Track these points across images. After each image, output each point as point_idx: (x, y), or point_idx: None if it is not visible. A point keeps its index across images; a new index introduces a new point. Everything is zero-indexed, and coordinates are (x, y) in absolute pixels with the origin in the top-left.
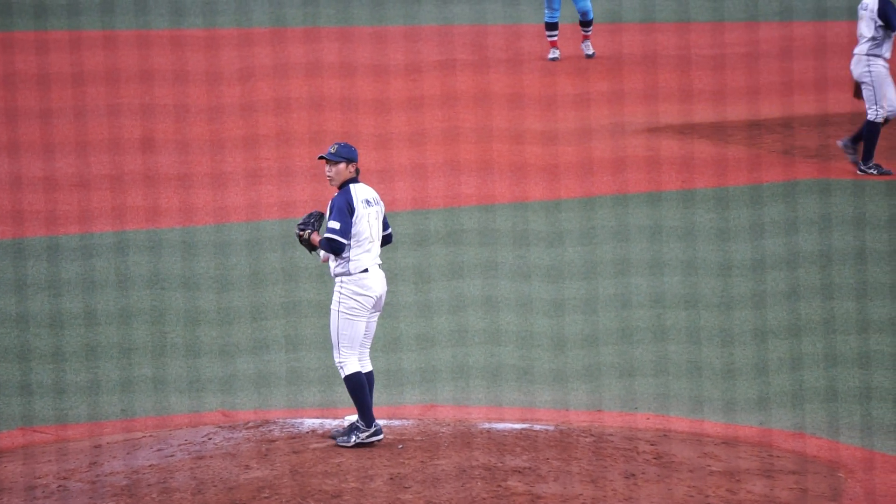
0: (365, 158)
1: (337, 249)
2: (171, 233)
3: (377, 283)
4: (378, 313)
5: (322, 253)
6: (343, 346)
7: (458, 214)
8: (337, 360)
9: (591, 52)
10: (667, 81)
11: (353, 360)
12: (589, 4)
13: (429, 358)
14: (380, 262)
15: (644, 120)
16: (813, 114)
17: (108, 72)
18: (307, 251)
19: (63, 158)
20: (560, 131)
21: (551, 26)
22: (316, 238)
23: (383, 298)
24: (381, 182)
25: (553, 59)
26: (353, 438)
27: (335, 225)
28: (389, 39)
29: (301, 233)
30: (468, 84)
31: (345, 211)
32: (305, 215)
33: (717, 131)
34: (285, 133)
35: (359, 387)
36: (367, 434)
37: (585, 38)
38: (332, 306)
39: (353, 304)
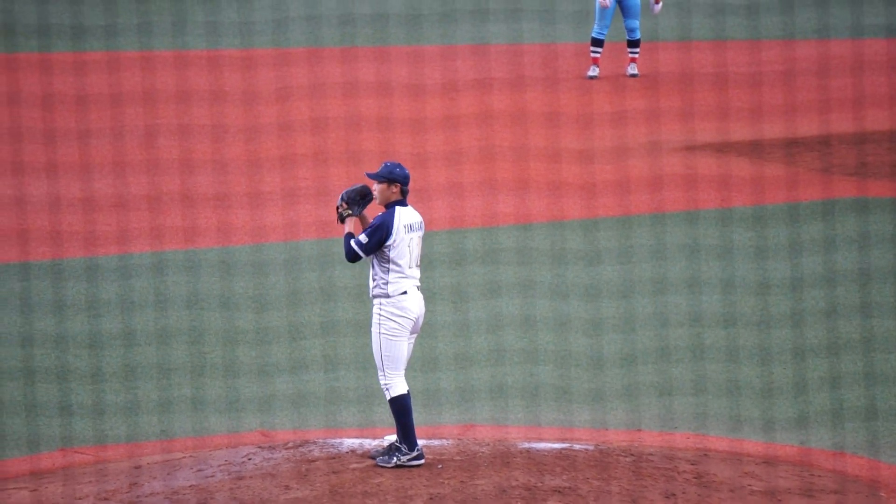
0: None
1: (352, 258)
2: (210, 253)
3: (415, 305)
4: (416, 335)
5: (347, 225)
6: (388, 368)
7: (496, 233)
8: (382, 381)
9: (635, 72)
10: (704, 99)
11: (399, 382)
12: (637, 23)
13: (467, 377)
14: (419, 283)
15: (681, 138)
16: (851, 131)
17: (145, 92)
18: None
19: (101, 179)
20: (597, 149)
21: (597, 42)
22: (347, 226)
23: (421, 320)
24: (419, 201)
25: (592, 77)
26: (395, 460)
27: (364, 239)
28: (426, 58)
29: (341, 207)
30: (505, 102)
31: (381, 232)
32: (357, 189)
33: (755, 149)
34: (322, 153)
35: (404, 409)
36: (408, 457)
37: (632, 60)
38: (372, 329)
39: (392, 325)
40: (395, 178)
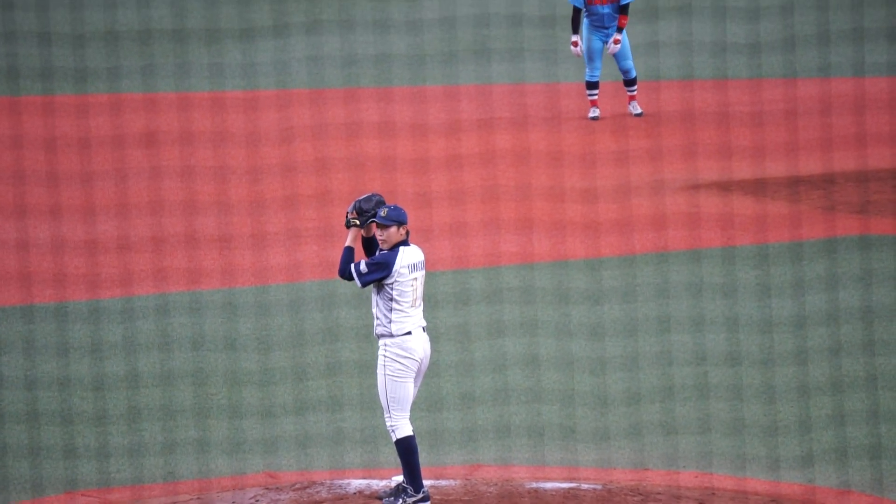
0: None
1: (346, 276)
2: (214, 294)
3: (420, 346)
4: (422, 376)
5: (350, 235)
6: (394, 410)
7: (500, 273)
8: (388, 423)
9: (638, 111)
10: (708, 138)
11: (405, 424)
12: (631, 63)
13: (473, 417)
14: (424, 324)
15: (685, 177)
16: (854, 169)
17: (149, 134)
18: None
19: (106, 222)
20: (600, 189)
21: (592, 85)
22: (349, 238)
23: (427, 361)
24: (424, 241)
25: (593, 119)
26: (401, 502)
27: (364, 269)
28: (430, 98)
29: (351, 216)
30: (508, 142)
31: (382, 270)
32: (371, 199)
33: (759, 188)
34: (327, 193)
35: (410, 451)
36: (415, 499)
37: (631, 98)
38: (377, 370)
39: (398, 366)
40: (404, 220)
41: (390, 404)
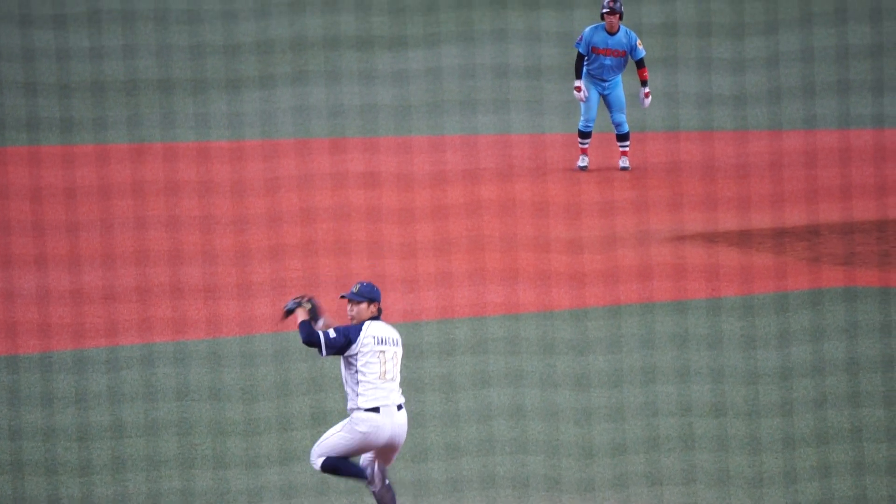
0: (391, 268)
1: (312, 341)
2: (200, 344)
3: (388, 425)
4: (395, 455)
5: (300, 314)
6: (324, 451)
7: (485, 323)
8: (312, 459)
9: (626, 165)
10: (692, 189)
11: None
12: (624, 117)
13: (457, 467)
14: (400, 401)
15: (670, 227)
16: (839, 221)
17: (135, 184)
18: (284, 315)
19: (91, 271)
20: (586, 240)
21: (584, 134)
22: (300, 315)
23: (400, 441)
24: (408, 292)
25: (582, 168)
26: (382, 483)
27: (332, 333)
28: (415, 150)
29: (296, 300)
30: (494, 192)
31: (346, 336)
32: (299, 299)
33: (744, 239)
34: (312, 243)
35: (336, 466)
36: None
37: (623, 153)
38: (339, 423)
39: (359, 433)
40: (375, 298)
41: (322, 445)
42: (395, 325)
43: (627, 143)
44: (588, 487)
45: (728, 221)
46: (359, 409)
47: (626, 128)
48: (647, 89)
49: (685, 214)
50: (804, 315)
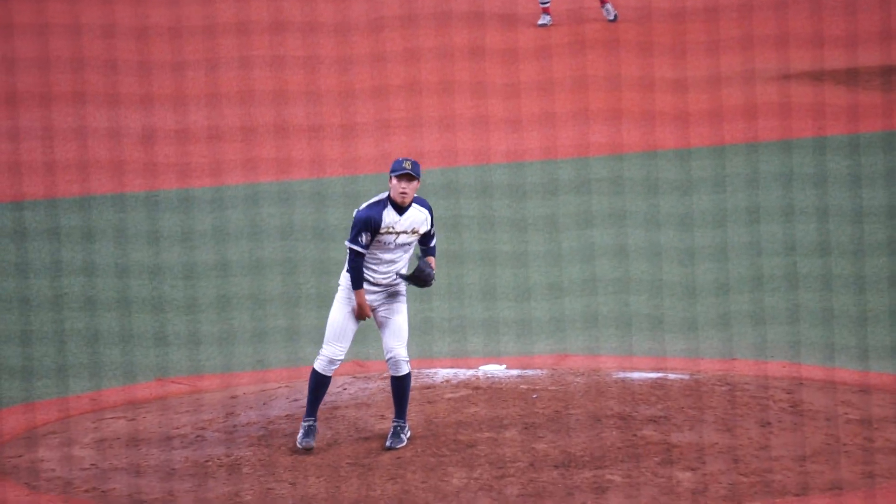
0: (494, 108)
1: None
2: (303, 185)
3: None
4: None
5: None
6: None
7: (589, 163)
8: (404, 354)
9: (612, 16)
10: (799, 27)
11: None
12: None
13: (561, 307)
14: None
15: (777, 66)
16: None
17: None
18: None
19: (196, 111)
20: (691, 79)
21: None
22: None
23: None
24: (512, 132)
25: (542, 25)
26: (405, 437)
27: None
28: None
29: (432, 272)
30: (598, 33)
31: None
32: (425, 271)
33: (851, 77)
34: (416, 84)
35: (406, 388)
36: (407, 430)
37: (604, 1)
38: (403, 303)
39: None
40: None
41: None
42: (499, 164)
43: None
44: (691, 327)
45: (835, 60)
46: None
47: None
48: None
49: (791, 52)
50: None
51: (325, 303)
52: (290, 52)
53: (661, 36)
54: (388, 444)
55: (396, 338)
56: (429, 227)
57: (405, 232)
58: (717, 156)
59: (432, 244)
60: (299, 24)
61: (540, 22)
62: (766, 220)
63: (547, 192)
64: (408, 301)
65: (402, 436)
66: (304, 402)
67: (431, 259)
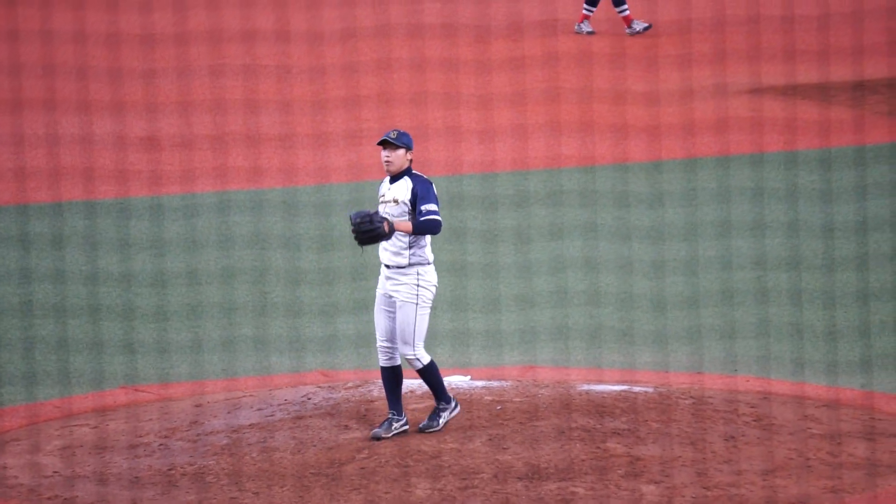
0: (466, 119)
1: (437, 230)
2: (273, 193)
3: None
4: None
5: (400, 225)
6: (418, 341)
7: (559, 176)
8: (412, 354)
9: (641, 28)
10: (770, 41)
11: (424, 351)
12: None
13: (528, 319)
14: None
15: (747, 80)
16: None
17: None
18: (362, 243)
19: (166, 118)
20: (662, 92)
21: (592, 1)
22: (406, 225)
23: None
24: (482, 142)
25: (588, 33)
26: (443, 420)
27: (434, 207)
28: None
29: (379, 225)
30: (569, 46)
31: (435, 193)
32: (362, 214)
33: (821, 92)
34: (386, 94)
35: (436, 371)
36: (450, 412)
37: (629, 19)
38: (406, 300)
39: (428, 294)
40: (411, 146)
41: (416, 337)
42: (470, 175)
43: (625, 6)
44: (658, 340)
45: (805, 74)
46: (427, 262)
47: None
48: None
49: (762, 67)
50: (880, 168)
51: (293, 311)
52: (261, 61)
53: (632, 49)
54: (421, 429)
55: (397, 338)
56: (411, 196)
57: (389, 201)
58: (687, 169)
59: (420, 218)
60: (271, 32)
61: (586, 29)
62: (735, 234)
63: (514, 204)
64: (417, 296)
65: (440, 418)
66: (270, 411)
67: (401, 221)
